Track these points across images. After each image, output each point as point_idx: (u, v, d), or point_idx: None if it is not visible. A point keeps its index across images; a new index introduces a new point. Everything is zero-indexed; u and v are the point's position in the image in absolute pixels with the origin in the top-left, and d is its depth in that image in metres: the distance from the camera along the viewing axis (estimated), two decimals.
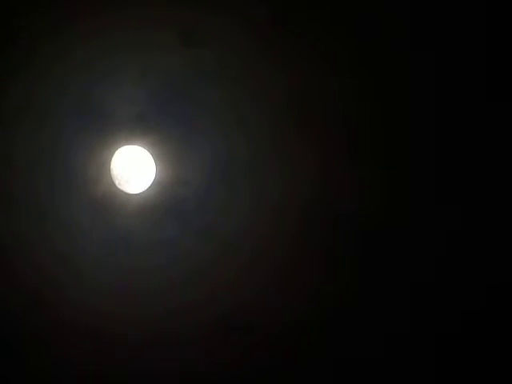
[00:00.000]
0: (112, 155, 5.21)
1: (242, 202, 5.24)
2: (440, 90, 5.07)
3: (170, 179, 5.25)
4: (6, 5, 4.88)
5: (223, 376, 5.47)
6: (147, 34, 4.99)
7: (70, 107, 5.09)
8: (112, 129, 5.15)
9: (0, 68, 4.98)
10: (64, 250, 5.30)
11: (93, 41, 5.00)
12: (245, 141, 5.16)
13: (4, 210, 5.22)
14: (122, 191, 5.27)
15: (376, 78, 5.07)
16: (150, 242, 5.32)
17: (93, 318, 5.36)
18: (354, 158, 5.18)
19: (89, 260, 5.31)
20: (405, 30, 4.96)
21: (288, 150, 5.18)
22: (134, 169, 5.23)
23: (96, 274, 5.32)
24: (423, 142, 5.15)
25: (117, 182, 5.25)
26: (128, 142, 5.21)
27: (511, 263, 5.25)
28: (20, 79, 5.01)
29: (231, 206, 5.25)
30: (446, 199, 5.23)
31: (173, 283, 5.34)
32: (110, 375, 5.46)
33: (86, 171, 5.20)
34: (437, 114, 5.13)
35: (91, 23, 4.98)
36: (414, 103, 5.12)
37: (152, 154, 5.22)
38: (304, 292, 5.38)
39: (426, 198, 5.26)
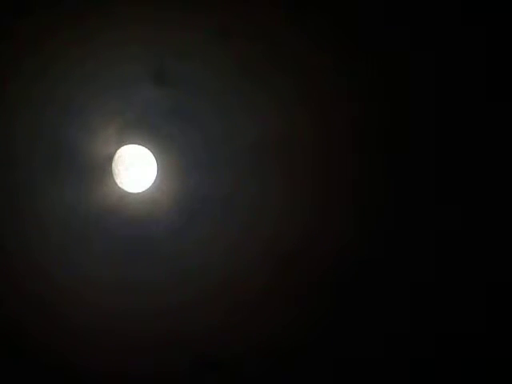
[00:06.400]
0: (114, 154, 5.24)
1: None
2: (440, 91, 5.09)
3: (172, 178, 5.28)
4: None
5: None
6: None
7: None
8: (113, 127, 5.19)
9: None
10: (64, 249, 5.32)
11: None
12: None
13: (5, 210, 5.25)
14: (123, 190, 5.30)
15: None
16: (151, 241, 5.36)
17: (92, 317, 5.38)
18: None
19: (89, 258, 5.34)
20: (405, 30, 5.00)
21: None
22: (135, 168, 5.25)
23: (97, 272, 5.35)
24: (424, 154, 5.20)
25: (118, 181, 5.28)
26: (129, 141, 5.25)
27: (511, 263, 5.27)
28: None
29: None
30: (447, 201, 5.25)
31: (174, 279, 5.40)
32: (111, 374, 5.48)
33: (87, 171, 5.23)
34: (437, 117, 5.15)
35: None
36: (414, 106, 5.14)
37: (154, 153, 5.25)
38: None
39: (426, 199, 5.28)
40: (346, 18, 4.97)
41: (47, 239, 5.28)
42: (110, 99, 5.08)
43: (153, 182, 5.29)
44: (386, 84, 5.11)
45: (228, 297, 5.39)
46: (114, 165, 5.25)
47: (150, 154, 5.26)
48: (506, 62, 4.98)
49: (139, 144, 5.25)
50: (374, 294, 5.39)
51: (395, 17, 4.96)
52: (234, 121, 5.12)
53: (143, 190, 5.31)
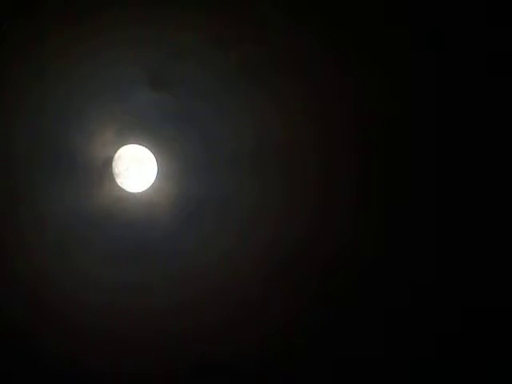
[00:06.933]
0: (113, 154, 5.25)
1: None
2: (440, 90, 5.09)
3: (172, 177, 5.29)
4: None
5: None
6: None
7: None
8: (113, 128, 5.20)
9: None
10: (64, 249, 5.33)
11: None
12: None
13: (6, 210, 5.25)
14: (123, 190, 5.30)
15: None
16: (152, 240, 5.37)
17: (92, 316, 5.39)
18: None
19: (90, 258, 5.35)
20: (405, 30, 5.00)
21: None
22: (135, 168, 5.26)
23: (96, 273, 5.36)
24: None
25: (118, 181, 5.28)
26: (129, 141, 5.25)
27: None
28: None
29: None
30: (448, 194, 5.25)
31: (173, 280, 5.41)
32: (110, 374, 5.49)
33: (88, 170, 5.24)
34: (437, 117, 5.14)
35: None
36: (414, 105, 5.14)
37: (154, 153, 5.26)
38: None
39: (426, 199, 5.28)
40: (346, 18, 4.96)
41: (47, 239, 5.29)
42: (109, 100, 5.08)
43: (153, 181, 5.30)
44: (386, 84, 5.10)
45: (228, 297, 5.39)
46: (114, 165, 5.25)
47: (150, 154, 5.26)
48: (505, 61, 4.98)
49: (139, 144, 5.26)
50: (374, 294, 5.39)
51: (395, 17, 4.96)
52: (235, 122, 5.12)
53: (143, 189, 5.32)
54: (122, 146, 5.25)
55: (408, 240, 5.31)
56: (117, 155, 5.25)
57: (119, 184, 5.29)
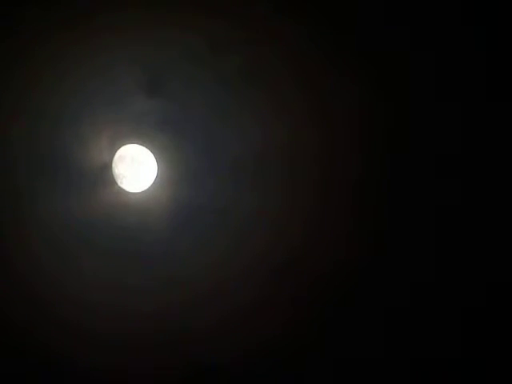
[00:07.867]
0: (114, 154, 5.25)
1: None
2: (440, 90, 5.09)
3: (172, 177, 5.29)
4: None
5: None
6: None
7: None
8: (114, 127, 5.20)
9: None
10: (65, 249, 5.34)
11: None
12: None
13: (6, 210, 5.26)
14: (123, 190, 5.31)
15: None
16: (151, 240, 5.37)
17: (90, 316, 5.39)
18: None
19: (90, 258, 5.35)
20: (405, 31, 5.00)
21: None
22: (135, 167, 5.26)
23: (96, 272, 5.37)
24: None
25: (119, 181, 5.29)
26: (130, 140, 5.26)
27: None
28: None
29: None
30: (447, 200, 5.26)
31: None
32: (110, 373, 5.50)
33: (88, 171, 5.24)
34: (437, 117, 5.14)
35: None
36: (414, 105, 5.14)
37: (154, 154, 5.26)
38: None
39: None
40: (346, 19, 4.97)
41: (47, 240, 5.29)
42: (109, 101, 5.09)
43: (153, 182, 5.30)
44: (386, 85, 5.11)
45: (225, 301, 5.39)
46: (114, 165, 5.26)
47: (151, 154, 5.26)
48: (506, 61, 4.98)
49: (140, 144, 5.26)
50: (374, 295, 5.40)
51: (395, 17, 4.96)
52: (236, 124, 5.12)
53: (143, 190, 5.32)
54: (122, 146, 5.25)
55: (408, 240, 5.31)
56: (117, 156, 5.25)
57: (119, 184, 5.29)
